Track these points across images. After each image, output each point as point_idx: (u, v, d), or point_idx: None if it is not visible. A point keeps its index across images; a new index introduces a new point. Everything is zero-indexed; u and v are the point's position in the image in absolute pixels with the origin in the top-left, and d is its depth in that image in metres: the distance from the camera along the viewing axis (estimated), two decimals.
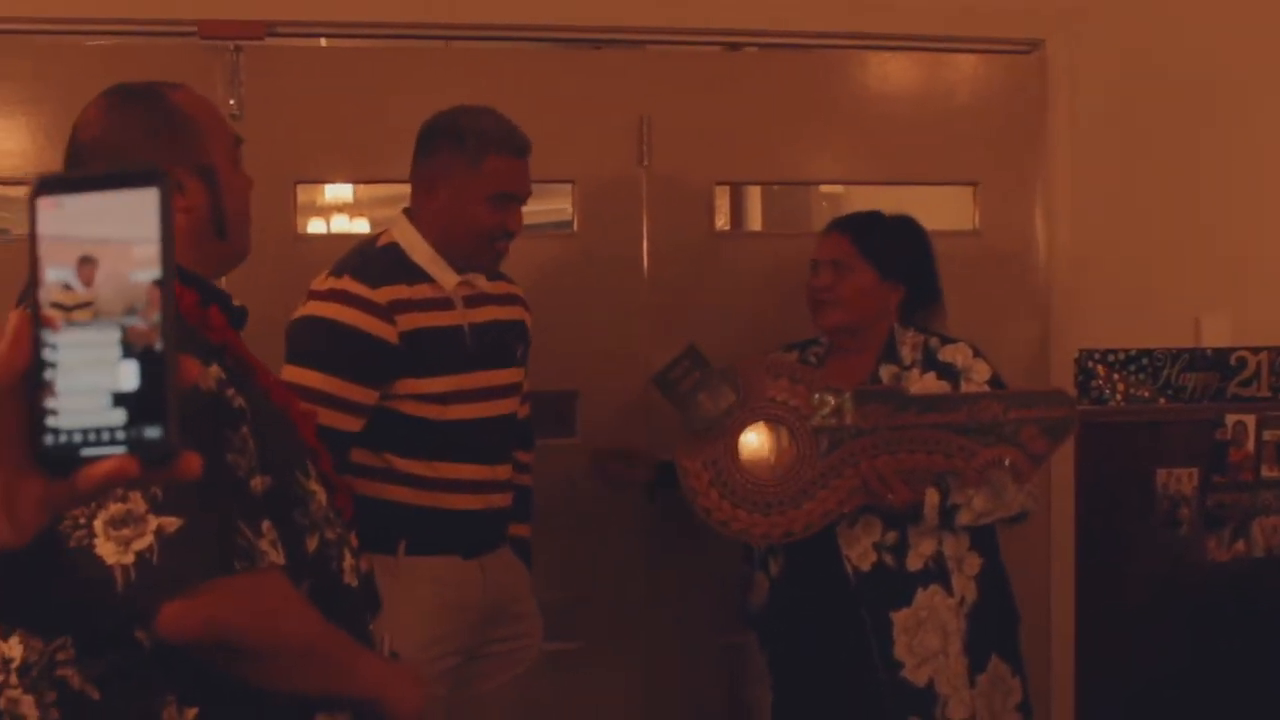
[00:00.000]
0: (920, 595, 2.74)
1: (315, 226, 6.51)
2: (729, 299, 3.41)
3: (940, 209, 3.68)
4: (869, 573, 2.75)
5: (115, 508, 1.45)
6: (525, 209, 2.71)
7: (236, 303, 1.78)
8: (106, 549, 1.44)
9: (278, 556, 1.55)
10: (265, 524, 1.54)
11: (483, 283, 2.66)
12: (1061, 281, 3.55)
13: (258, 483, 1.57)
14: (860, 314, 2.83)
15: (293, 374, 2.43)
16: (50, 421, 0.76)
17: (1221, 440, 3.63)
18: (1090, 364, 3.57)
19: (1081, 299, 3.55)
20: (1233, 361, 3.65)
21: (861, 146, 3.55)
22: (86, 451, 0.76)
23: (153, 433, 0.76)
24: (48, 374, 0.77)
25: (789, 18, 3.42)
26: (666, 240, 3.40)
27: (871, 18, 3.45)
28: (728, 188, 5.07)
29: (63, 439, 0.76)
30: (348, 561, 1.73)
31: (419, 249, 2.57)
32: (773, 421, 2.77)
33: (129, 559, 1.44)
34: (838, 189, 5.13)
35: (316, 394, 2.39)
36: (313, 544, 1.66)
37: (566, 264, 3.36)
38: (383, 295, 2.47)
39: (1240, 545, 3.67)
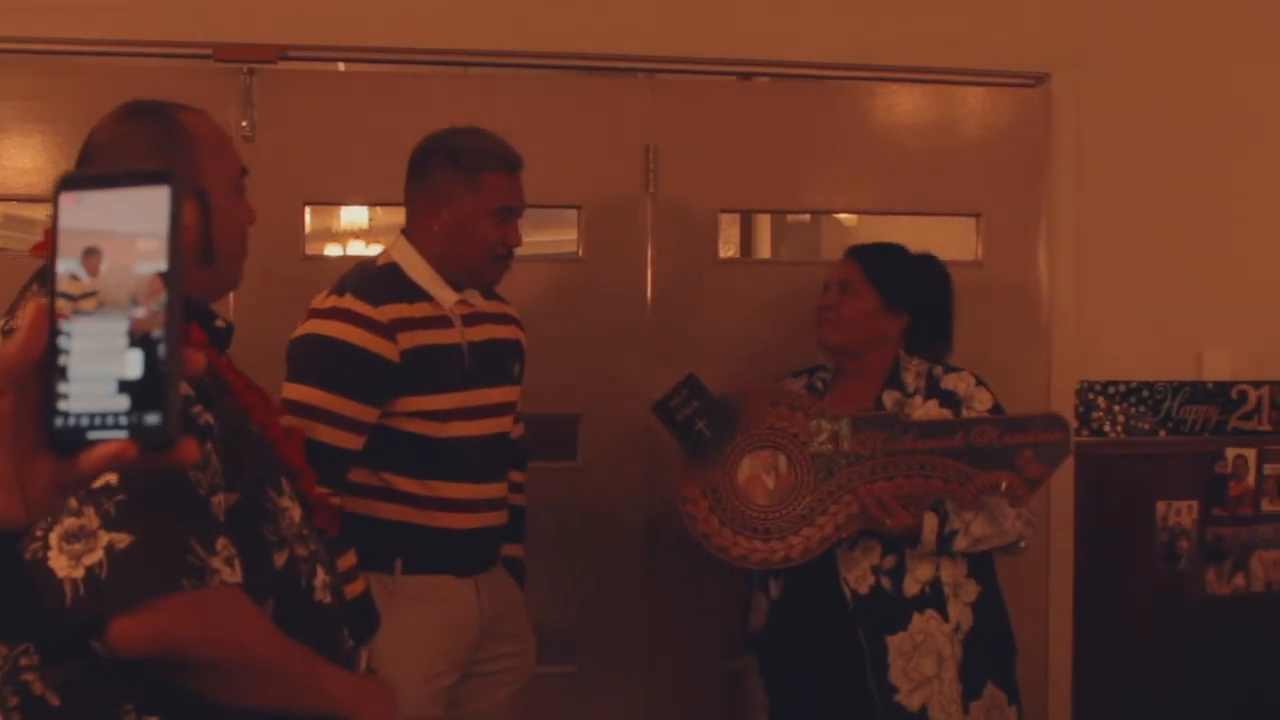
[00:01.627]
0: (916, 620, 2.75)
1: (332, 252, 6.55)
2: (732, 327, 3.44)
3: (943, 240, 3.70)
4: (866, 595, 2.77)
5: (69, 522, 1.46)
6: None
7: (221, 323, 1.79)
8: (59, 562, 1.46)
9: (232, 574, 1.55)
10: (221, 541, 1.55)
11: (480, 301, 2.69)
12: (1063, 313, 3.57)
13: (220, 500, 1.57)
14: (857, 336, 2.87)
15: (294, 392, 2.45)
16: (61, 405, 0.81)
17: (1222, 474, 3.63)
18: (1091, 395, 3.58)
19: (1083, 331, 3.57)
20: (1234, 395, 3.66)
21: (866, 176, 3.58)
22: (92, 435, 0.81)
23: (152, 419, 0.80)
24: (61, 360, 0.81)
25: (798, 49, 3.46)
26: (671, 267, 3.43)
27: (880, 50, 3.49)
28: (737, 216, 5.10)
29: (71, 422, 0.81)
30: (320, 578, 1.73)
31: (418, 268, 2.60)
32: (771, 448, 2.79)
33: (79, 573, 1.45)
34: (850, 219, 5.16)
35: (318, 412, 2.41)
36: (281, 560, 1.67)
37: (571, 289, 3.39)
38: (385, 313, 2.49)
39: (1240, 579, 3.67)
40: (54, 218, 0.82)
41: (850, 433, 2.74)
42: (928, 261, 2.97)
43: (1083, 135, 3.56)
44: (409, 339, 2.51)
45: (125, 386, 0.80)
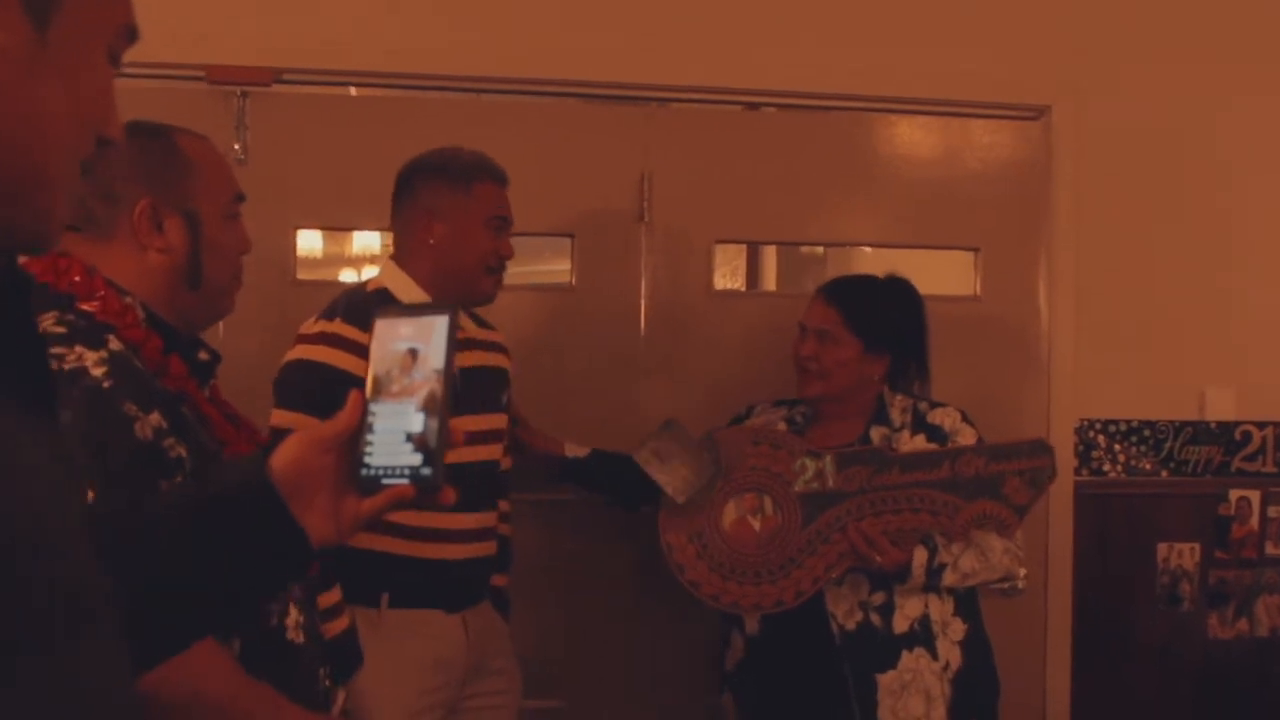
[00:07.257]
0: (905, 658, 2.70)
1: (347, 277, 6.50)
2: (726, 358, 3.39)
3: (942, 273, 3.66)
4: (854, 632, 2.71)
5: None
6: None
7: (205, 354, 1.78)
8: None
9: None
10: None
11: (471, 327, 2.67)
12: (1063, 350, 3.51)
13: None
14: (840, 385, 2.82)
15: (281, 418, 2.42)
16: (366, 460, 1.17)
17: (1225, 515, 3.57)
18: (1091, 434, 3.52)
19: (1083, 368, 3.51)
20: (1237, 436, 3.59)
21: (864, 208, 3.53)
22: (385, 481, 1.16)
23: (425, 471, 1.15)
24: (367, 429, 1.17)
25: (798, 79, 3.42)
26: (665, 298, 3.39)
27: (881, 81, 3.44)
28: (744, 247, 5.06)
29: (372, 472, 1.17)
30: (292, 617, 1.70)
31: (410, 292, 2.58)
32: (756, 490, 2.75)
33: None
34: (861, 249, 5.10)
35: None
36: None
37: (563, 318, 3.35)
38: None
39: (1243, 624, 3.60)
40: (371, 335, 1.19)
41: (835, 469, 2.69)
42: (902, 293, 2.90)
43: (1083, 169, 3.52)
44: None
45: (409, 451, 1.15)
